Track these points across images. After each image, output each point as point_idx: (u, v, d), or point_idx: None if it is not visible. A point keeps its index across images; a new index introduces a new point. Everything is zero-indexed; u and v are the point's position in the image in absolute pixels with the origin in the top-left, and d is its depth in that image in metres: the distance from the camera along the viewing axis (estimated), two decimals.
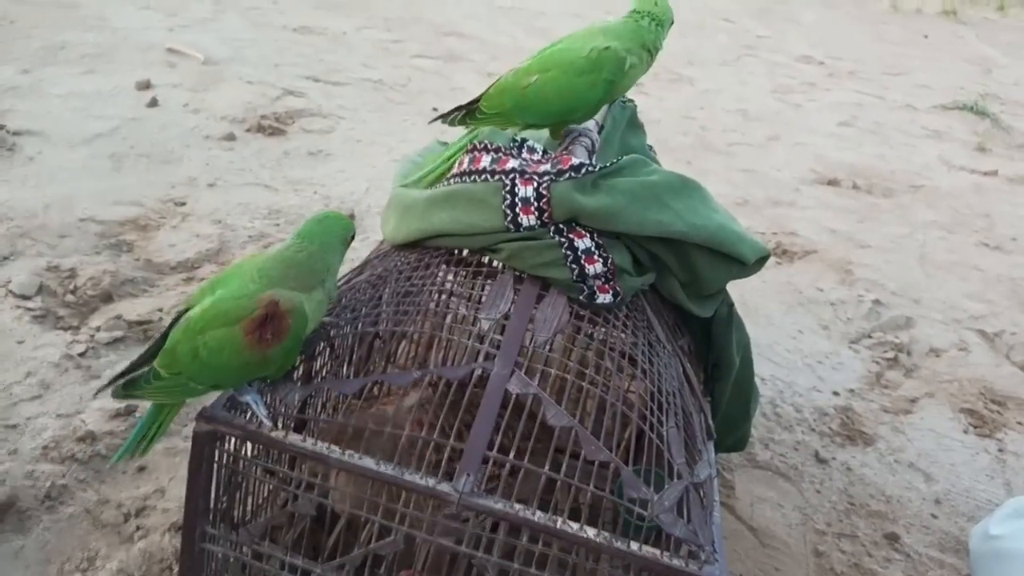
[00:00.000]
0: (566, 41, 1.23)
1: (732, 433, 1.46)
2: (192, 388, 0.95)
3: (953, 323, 2.47)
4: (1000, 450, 1.93)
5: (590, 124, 1.39)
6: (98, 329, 1.82)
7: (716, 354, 1.33)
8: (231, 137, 2.94)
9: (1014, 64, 6.46)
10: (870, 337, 2.33)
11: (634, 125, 1.52)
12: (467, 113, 1.25)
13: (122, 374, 0.99)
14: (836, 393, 2.05)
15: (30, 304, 1.86)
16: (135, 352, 1.78)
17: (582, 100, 1.16)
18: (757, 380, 1.53)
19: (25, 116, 2.79)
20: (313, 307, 0.95)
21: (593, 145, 1.34)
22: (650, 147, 1.58)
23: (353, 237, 1.02)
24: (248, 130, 3.04)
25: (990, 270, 2.87)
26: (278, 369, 0.97)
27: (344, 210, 2.53)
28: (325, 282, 0.97)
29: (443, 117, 1.28)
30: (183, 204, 2.43)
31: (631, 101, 1.55)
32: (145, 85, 3.22)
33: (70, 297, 1.90)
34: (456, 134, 1.38)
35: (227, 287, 0.95)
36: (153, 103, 3.09)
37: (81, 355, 1.73)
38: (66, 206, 2.28)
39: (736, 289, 1.34)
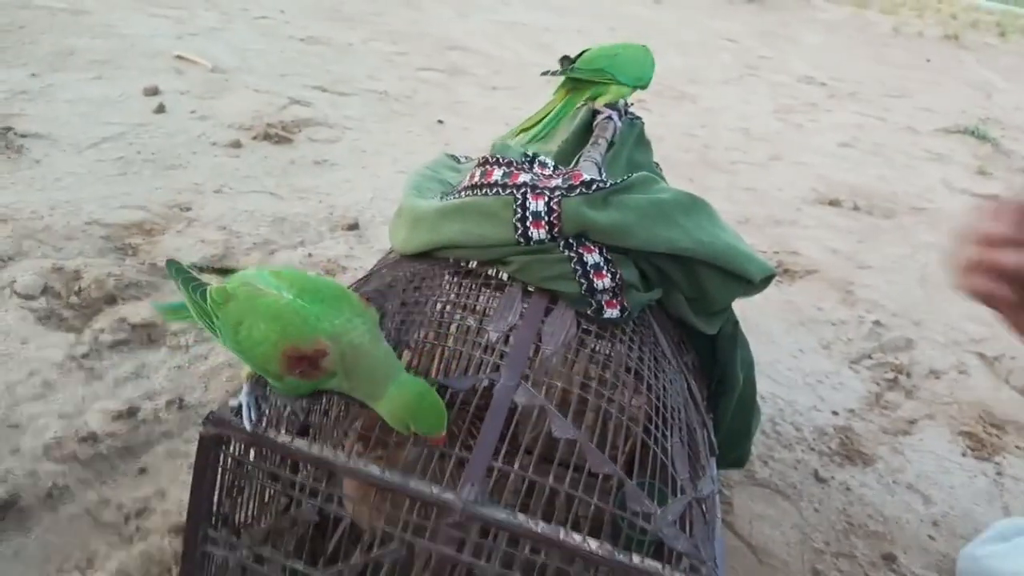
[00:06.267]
0: None
1: (733, 450, 1.46)
2: (215, 331, 0.97)
3: (953, 345, 2.48)
4: (999, 474, 1.94)
5: (602, 140, 1.42)
6: (102, 331, 1.82)
7: (720, 371, 1.34)
8: (237, 144, 2.96)
9: (1014, 89, 6.52)
10: (870, 358, 2.34)
11: (642, 142, 1.54)
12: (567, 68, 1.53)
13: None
14: (836, 413, 2.05)
15: (34, 304, 1.86)
16: (138, 354, 1.78)
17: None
18: (758, 398, 1.53)
19: (33, 120, 2.81)
20: (335, 379, 0.92)
21: (603, 155, 1.36)
22: (657, 164, 1.59)
23: (418, 434, 0.92)
24: (254, 138, 3.06)
25: None
26: (289, 389, 0.97)
27: (349, 219, 2.54)
28: (353, 387, 0.92)
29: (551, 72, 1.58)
30: (188, 210, 2.44)
31: (639, 119, 1.57)
32: (153, 91, 3.25)
33: (74, 299, 1.91)
34: (461, 148, 1.42)
35: (314, 300, 0.92)
36: (160, 109, 3.11)
37: (84, 356, 1.74)
38: (72, 209, 2.29)
39: (738, 307, 1.35)
